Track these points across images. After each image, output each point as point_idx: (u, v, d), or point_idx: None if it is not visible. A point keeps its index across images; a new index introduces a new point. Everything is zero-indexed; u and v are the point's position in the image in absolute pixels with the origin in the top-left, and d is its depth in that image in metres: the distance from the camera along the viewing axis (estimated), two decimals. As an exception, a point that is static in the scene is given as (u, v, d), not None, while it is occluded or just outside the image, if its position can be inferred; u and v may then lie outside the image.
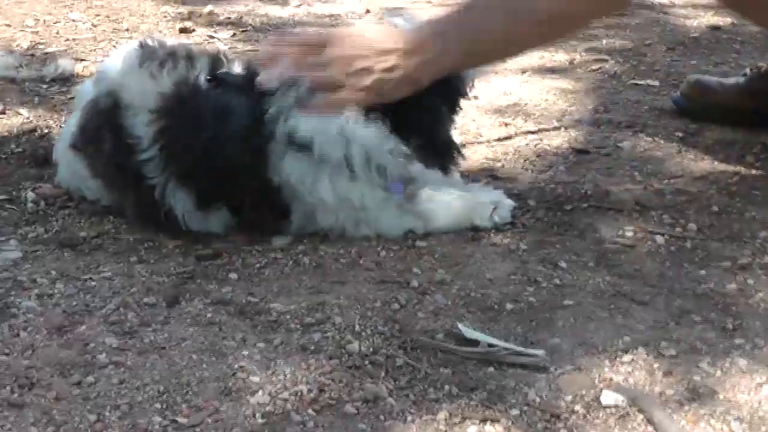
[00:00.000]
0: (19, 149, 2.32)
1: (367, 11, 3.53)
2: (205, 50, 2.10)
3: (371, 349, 1.60)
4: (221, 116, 1.91)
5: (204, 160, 1.90)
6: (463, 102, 1.98)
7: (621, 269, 1.86)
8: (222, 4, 3.54)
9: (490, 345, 1.61)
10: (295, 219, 1.95)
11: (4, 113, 2.50)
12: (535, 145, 2.41)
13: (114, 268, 1.86)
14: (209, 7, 3.42)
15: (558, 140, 2.43)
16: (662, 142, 2.43)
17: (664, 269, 1.87)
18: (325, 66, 1.89)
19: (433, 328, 1.66)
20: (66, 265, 1.87)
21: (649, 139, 2.44)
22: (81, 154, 2.06)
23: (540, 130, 2.50)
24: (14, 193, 2.14)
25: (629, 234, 1.98)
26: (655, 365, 1.57)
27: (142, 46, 2.00)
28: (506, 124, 2.53)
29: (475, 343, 1.62)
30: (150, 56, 1.97)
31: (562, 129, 2.51)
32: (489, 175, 2.24)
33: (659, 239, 1.96)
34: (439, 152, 1.98)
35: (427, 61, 1.89)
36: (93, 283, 1.81)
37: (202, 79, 1.93)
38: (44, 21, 3.19)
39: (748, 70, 2.51)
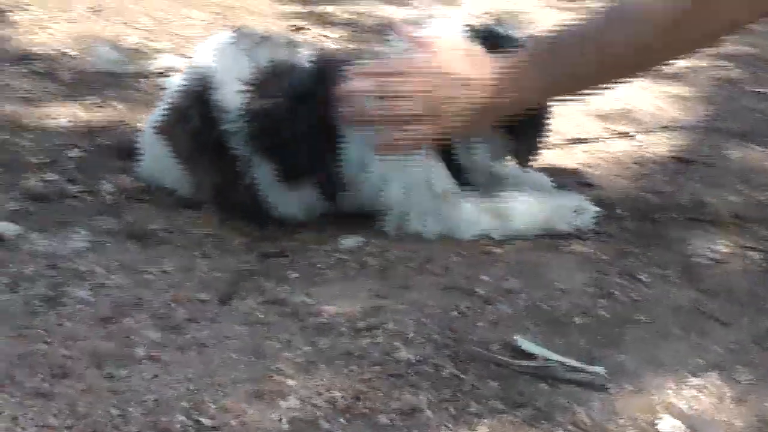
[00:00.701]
0: (107, 142, 2.30)
1: (487, 12, 3.43)
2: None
3: (419, 358, 1.50)
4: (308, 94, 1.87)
5: (291, 134, 1.85)
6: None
7: (707, 285, 1.72)
8: (342, 3, 3.50)
9: (547, 359, 1.50)
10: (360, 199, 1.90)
11: (100, 106, 2.50)
12: (636, 152, 2.27)
13: (175, 262, 1.81)
14: (327, 7, 3.38)
15: (661, 148, 2.29)
16: (776, 153, 2.26)
17: (754, 287, 1.72)
18: (405, 97, 1.81)
19: (489, 339, 1.55)
20: (128, 257, 1.84)
21: (761, 149, 2.27)
22: (164, 137, 2.03)
23: (644, 137, 2.35)
24: (93, 184, 2.11)
25: (722, 248, 1.84)
26: (726, 391, 1.43)
27: (237, 31, 1.99)
28: (610, 130, 2.40)
29: (531, 356, 1.51)
30: (245, 37, 1.97)
31: (668, 136, 2.36)
32: (581, 181, 2.11)
33: (754, 255, 1.82)
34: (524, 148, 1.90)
35: (513, 95, 1.80)
36: (150, 276, 1.76)
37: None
38: (158, 18, 3.20)
39: None
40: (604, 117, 2.48)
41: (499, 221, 1.86)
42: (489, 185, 1.90)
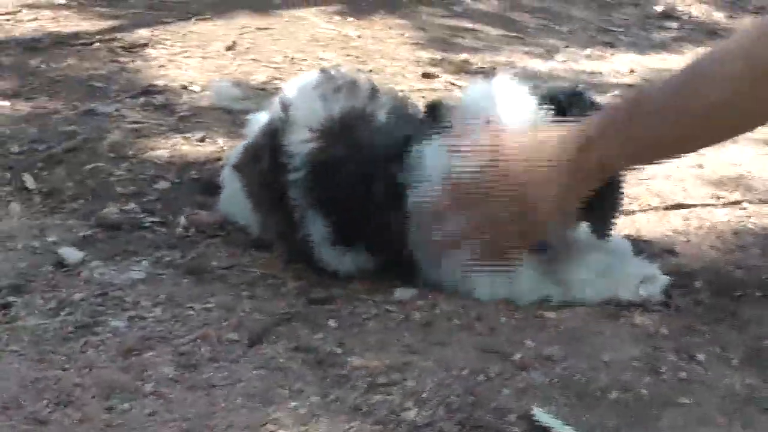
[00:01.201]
0: (197, 176, 2.30)
1: (632, 71, 3.31)
2: (392, 90, 2.00)
3: (426, 421, 1.42)
4: (376, 154, 1.80)
5: (349, 191, 1.79)
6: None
7: (771, 372, 1.56)
8: (484, 53, 3.42)
9: (560, 436, 1.39)
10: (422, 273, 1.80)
11: (202, 141, 2.50)
12: (739, 222, 2.11)
13: (221, 300, 1.78)
14: (464, 55, 3.32)
15: (767, 220, 2.12)
16: None
17: (828, 379, 1.55)
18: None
19: (509, 408, 1.45)
20: (178, 291, 1.81)
21: None
22: (240, 174, 2.01)
23: (754, 207, 2.19)
24: (170, 217, 2.11)
25: (801, 332, 1.67)
26: (753, 489, 1.29)
27: (323, 72, 1.95)
28: (718, 197, 2.24)
29: (545, 431, 1.39)
30: (328, 81, 1.91)
31: (780, 208, 2.19)
32: (666, 249, 1.97)
33: (836, 344, 1.64)
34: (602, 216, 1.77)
35: (595, 165, 1.70)
36: (190, 312, 1.74)
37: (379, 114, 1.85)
38: (292, 58, 3.20)
39: None
40: (716, 183, 2.32)
41: (558, 288, 1.75)
42: (558, 247, 1.78)
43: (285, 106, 1.88)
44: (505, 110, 1.74)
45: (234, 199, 2.06)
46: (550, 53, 3.47)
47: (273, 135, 1.90)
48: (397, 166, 1.76)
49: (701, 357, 1.60)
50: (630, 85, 3.13)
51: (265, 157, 1.90)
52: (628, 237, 1.99)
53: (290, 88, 1.97)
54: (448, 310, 1.73)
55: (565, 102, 1.77)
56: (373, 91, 1.86)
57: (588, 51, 3.52)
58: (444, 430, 1.40)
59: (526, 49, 3.52)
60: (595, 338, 1.65)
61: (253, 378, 1.53)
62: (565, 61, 3.40)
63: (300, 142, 1.82)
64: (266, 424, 1.41)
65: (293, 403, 1.46)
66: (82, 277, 1.86)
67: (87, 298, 1.78)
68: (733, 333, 1.68)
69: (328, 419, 1.42)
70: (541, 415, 1.42)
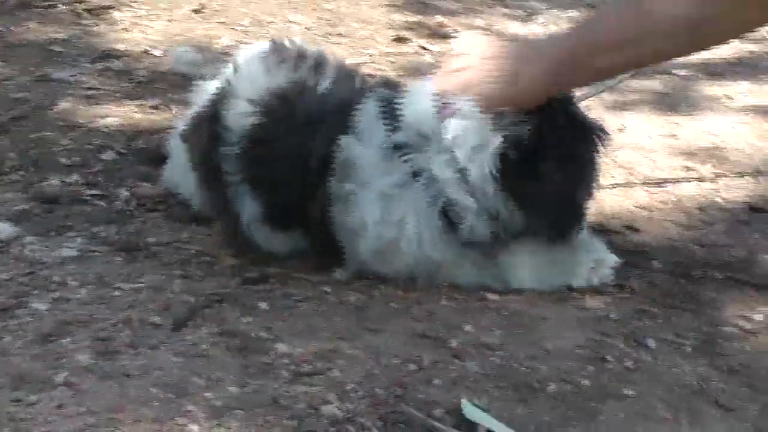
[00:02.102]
0: (145, 145, 2.21)
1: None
2: (343, 62, 1.88)
3: (346, 415, 1.33)
4: (312, 130, 1.69)
5: (281, 169, 1.69)
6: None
7: (725, 361, 1.47)
8: (461, 16, 3.31)
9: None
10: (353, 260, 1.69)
11: (156, 108, 2.41)
12: (707, 197, 2.01)
13: (151, 280, 1.69)
14: (440, 18, 3.20)
15: (738, 193, 2.02)
16: None
17: (785, 367, 1.45)
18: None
19: (438, 401, 1.36)
20: (109, 270, 1.73)
21: None
22: (185, 144, 1.92)
23: (723, 180, 2.08)
24: (111, 189, 2.02)
25: (759, 318, 1.58)
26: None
27: (273, 43, 1.86)
28: (688, 169, 2.14)
29: (471, 426, 1.30)
30: (275, 52, 1.82)
31: (754, 181, 2.08)
32: (628, 226, 1.87)
33: (796, 329, 1.54)
34: (557, 221, 1.65)
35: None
36: (117, 294, 1.65)
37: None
38: (261, 21, 3.09)
39: None
40: (688, 154, 2.22)
41: (500, 284, 1.64)
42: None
43: (228, 77, 1.79)
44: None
45: (178, 170, 1.96)
46: (530, 16, 3.35)
47: (215, 106, 1.80)
48: (325, 144, 1.65)
49: (651, 344, 1.51)
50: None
51: (205, 129, 1.81)
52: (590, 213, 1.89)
53: (238, 58, 1.87)
54: (387, 293, 1.64)
55: None
56: (319, 64, 1.75)
57: (570, 13, 3.40)
58: (365, 426, 1.31)
59: (506, 11, 3.41)
60: (539, 324, 1.55)
61: (172, 366, 1.44)
62: (544, 23, 3.28)
63: (238, 115, 1.73)
64: (176, 418, 1.32)
65: (209, 394, 1.37)
66: (12, 254, 1.77)
67: (14, 278, 1.69)
68: (688, 317, 1.58)
69: (242, 413, 1.33)
70: (469, 409, 1.32)
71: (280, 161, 1.68)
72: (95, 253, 1.79)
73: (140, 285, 1.67)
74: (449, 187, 1.58)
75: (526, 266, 1.63)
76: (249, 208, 1.72)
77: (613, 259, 1.67)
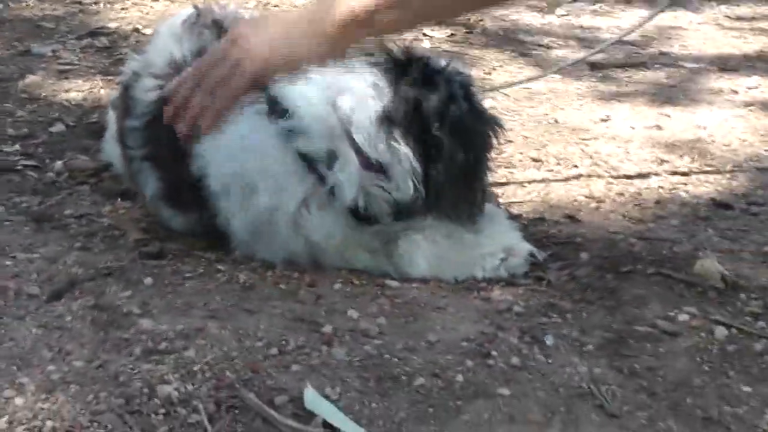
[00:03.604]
0: (96, 119, 2.14)
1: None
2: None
3: (180, 397, 1.22)
4: None
5: (173, 148, 1.60)
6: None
7: (629, 363, 1.33)
8: (481, 6, 3.17)
9: (325, 425, 1.18)
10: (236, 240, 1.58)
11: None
12: (670, 190, 1.86)
13: (49, 250, 1.61)
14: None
15: (705, 188, 1.86)
16: None
17: (692, 374, 1.31)
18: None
19: (285, 388, 1.25)
20: (13, 239, 1.66)
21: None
22: (114, 114, 1.84)
23: (697, 174, 1.93)
24: (47, 161, 1.95)
25: (684, 318, 1.43)
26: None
27: (196, 9, 1.76)
28: (661, 162, 1.99)
29: (308, 418, 1.19)
30: (194, 20, 1.73)
31: (731, 177, 1.92)
32: (568, 215, 1.73)
33: (720, 332, 1.40)
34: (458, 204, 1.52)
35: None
36: (8, 263, 1.57)
37: None
38: (267, 2, 3.02)
39: None
40: (668, 146, 2.06)
41: (390, 261, 1.52)
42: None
43: (143, 48, 1.71)
44: None
45: (110, 141, 1.88)
46: (552, 6, 3.20)
47: (131, 76, 1.72)
48: None
49: (549, 341, 1.37)
50: (623, 42, 2.85)
51: (121, 100, 1.73)
52: (530, 201, 1.77)
53: (160, 26, 1.79)
54: (280, 275, 1.53)
55: None
56: (219, 27, 1.67)
57: (597, 6, 3.25)
58: (197, 409, 1.20)
59: (533, 2, 3.26)
60: (433, 314, 1.43)
61: (27, 337, 1.35)
62: (565, 15, 3.13)
63: (143, 88, 1.65)
64: (4, 390, 1.23)
65: (51, 368, 1.28)
66: None
67: None
68: (601, 314, 1.44)
69: (76, 388, 1.24)
70: (311, 398, 1.21)
71: (174, 139, 1.58)
72: (7, 223, 1.72)
73: (35, 255, 1.60)
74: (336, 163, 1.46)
75: (426, 254, 1.50)
76: (150, 184, 1.63)
77: (526, 249, 1.53)
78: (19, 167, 1.93)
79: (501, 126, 1.52)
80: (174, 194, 1.61)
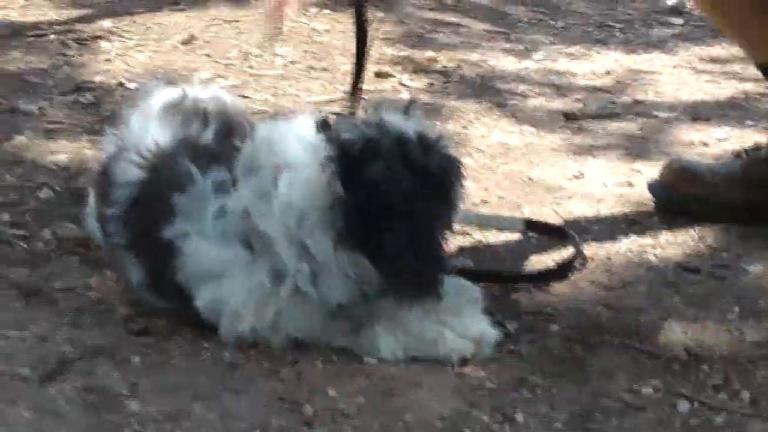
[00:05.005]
0: (83, 185, 2.18)
1: (608, 72, 3.09)
2: (236, 113, 1.83)
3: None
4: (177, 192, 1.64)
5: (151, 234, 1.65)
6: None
7: (595, 438, 1.39)
8: (457, 50, 3.24)
9: None
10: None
11: (106, 142, 2.40)
12: (639, 254, 1.93)
13: (41, 328, 1.67)
14: (430, 53, 3.14)
15: (675, 251, 1.94)
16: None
17: (655, 448, 1.38)
18: None
19: (267, 471, 1.31)
20: (5, 316, 1.71)
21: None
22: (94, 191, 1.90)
23: (665, 235, 2.00)
24: (35, 230, 2.00)
25: (648, 391, 1.50)
26: None
27: (183, 92, 1.82)
28: (631, 223, 2.06)
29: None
30: (176, 104, 1.78)
31: (699, 238, 1.99)
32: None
33: (683, 405, 1.47)
34: (416, 279, 1.54)
35: None
36: (1, 343, 1.63)
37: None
38: (247, 54, 3.07)
39: (743, 152, 2.04)
40: (639, 206, 2.13)
41: (364, 344, 1.58)
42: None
43: (121, 129, 1.76)
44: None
45: (91, 214, 1.92)
46: (529, 51, 3.27)
47: (110, 159, 1.77)
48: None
49: (519, 417, 1.44)
50: (598, 89, 2.93)
51: (100, 181, 1.79)
52: (502, 271, 1.83)
53: (137, 110, 1.82)
54: (263, 352, 1.59)
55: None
56: (204, 118, 1.71)
57: (573, 49, 3.31)
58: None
59: (506, 46, 3.33)
60: (409, 391, 1.50)
61: (18, 423, 1.41)
62: (541, 60, 3.20)
63: (124, 173, 1.69)
64: (-2, 480, 1.29)
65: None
66: None
67: None
68: (571, 388, 1.51)
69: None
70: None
71: (154, 228, 1.63)
72: (-1, 298, 1.78)
73: (27, 334, 1.66)
74: (287, 251, 1.52)
75: (390, 347, 1.56)
76: (134, 273, 1.69)
77: (494, 336, 1.59)
78: (8, 237, 1.97)
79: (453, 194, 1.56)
80: (157, 284, 1.65)
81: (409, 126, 1.57)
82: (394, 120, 1.57)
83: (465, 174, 1.59)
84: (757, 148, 2.07)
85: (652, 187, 2.09)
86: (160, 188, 1.63)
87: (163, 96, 1.83)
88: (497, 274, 1.81)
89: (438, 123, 1.57)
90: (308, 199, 1.51)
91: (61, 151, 2.36)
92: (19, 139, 2.41)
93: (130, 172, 1.68)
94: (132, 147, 1.72)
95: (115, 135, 1.83)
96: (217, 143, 1.67)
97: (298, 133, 1.59)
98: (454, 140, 1.64)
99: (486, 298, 1.70)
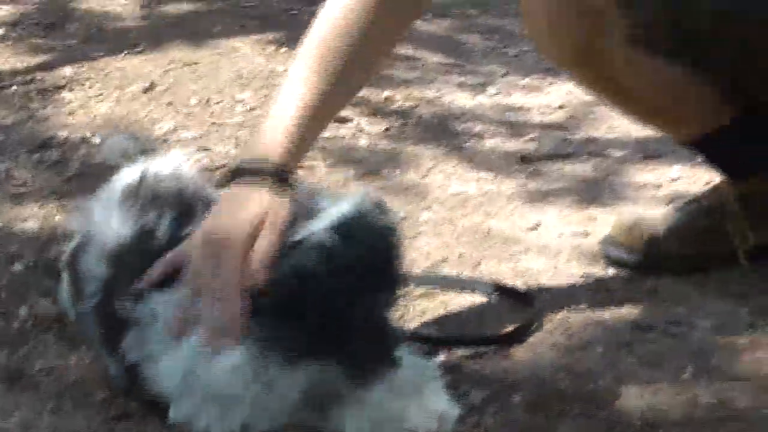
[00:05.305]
0: (54, 257, 2.23)
1: (561, 106, 3.18)
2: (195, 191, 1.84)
3: None
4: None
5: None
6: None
7: None
8: (413, 87, 3.31)
9: None
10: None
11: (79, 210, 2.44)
12: (595, 311, 2.01)
13: (23, 417, 1.73)
14: (387, 93, 3.21)
15: (630, 309, 2.01)
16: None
17: None
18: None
19: None
20: (-16, 404, 1.77)
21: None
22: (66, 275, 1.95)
23: (620, 291, 2.08)
24: (12, 308, 2.06)
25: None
26: None
27: (143, 176, 1.83)
28: (585, 277, 2.14)
29: None
30: (134, 189, 1.79)
31: (651, 291, 2.08)
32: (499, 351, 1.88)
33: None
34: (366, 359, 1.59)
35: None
36: (-18, 434, 1.69)
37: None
38: (208, 100, 3.13)
39: (681, 203, 2.17)
40: (593, 258, 2.21)
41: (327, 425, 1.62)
42: None
43: (88, 218, 1.81)
44: None
45: (64, 294, 1.97)
46: (483, 85, 3.35)
47: (78, 248, 1.82)
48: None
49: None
50: (551, 126, 3.01)
51: (70, 271, 1.84)
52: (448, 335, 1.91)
53: (99, 199, 1.85)
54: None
55: None
56: (160, 207, 1.74)
57: (527, 80, 3.39)
58: None
59: (461, 79, 3.41)
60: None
61: None
62: (496, 94, 3.28)
63: (91, 267, 1.74)
64: None
65: None
66: None
67: None
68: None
69: None
70: None
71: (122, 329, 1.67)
72: (-23, 384, 1.83)
73: (9, 425, 1.71)
74: None
75: (359, 419, 1.63)
76: (112, 369, 1.75)
77: (454, 413, 1.65)
78: (-13, 317, 2.03)
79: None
80: (136, 384, 1.70)
81: (330, 210, 1.60)
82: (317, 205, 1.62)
83: (400, 242, 1.62)
84: (696, 200, 2.16)
85: (604, 246, 2.17)
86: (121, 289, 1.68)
87: (123, 179, 1.85)
88: (456, 339, 1.89)
89: (368, 191, 1.61)
90: None
91: (31, 217, 2.42)
92: (-11, 206, 2.46)
93: (96, 266, 1.72)
94: (96, 238, 1.75)
95: (80, 224, 1.87)
96: (173, 233, 1.71)
97: None
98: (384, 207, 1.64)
99: (450, 367, 1.79)
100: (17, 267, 2.21)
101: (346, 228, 1.57)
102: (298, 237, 1.59)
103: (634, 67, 2.00)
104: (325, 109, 1.83)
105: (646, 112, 2.16)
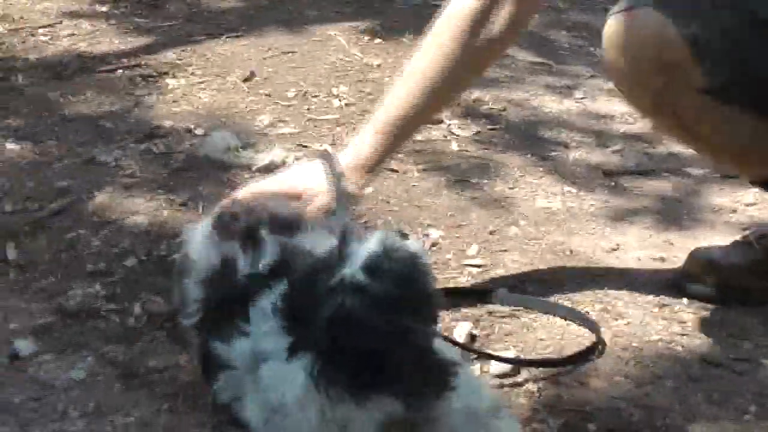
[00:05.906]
0: (165, 253, 2.38)
1: (644, 115, 3.26)
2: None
3: None
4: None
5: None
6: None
7: None
8: (501, 88, 3.42)
9: None
10: None
11: (185, 204, 2.60)
12: (668, 344, 2.13)
13: (142, 414, 1.89)
14: (477, 94, 3.32)
15: (700, 342, 2.13)
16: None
17: None
18: None
19: None
20: (108, 399, 1.92)
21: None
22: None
23: (691, 323, 2.20)
24: (126, 304, 2.22)
25: None
26: None
27: (221, 213, 1.99)
28: (661, 306, 2.26)
29: None
30: (227, 224, 1.94)
31: (720, 326, 2.20)
32: (577, 379, 2.01)
33: None
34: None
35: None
36: (109, 429, 1.85)
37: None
38: (305, 93, 3.26)
39: (751, 235, 2.29)
40: (670, 288, 2.32)
41: None
42: None
43: (187, 246, 1.97)
44: None
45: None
46: (570, 89, 3.45)
47: (182, 267, 1.98)
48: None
49: None
50: (635, 138, 3.11)
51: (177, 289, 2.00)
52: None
53: (201, 225, 2.01)
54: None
55: None
56: (256, 244, 1.86)
57: (611, 83, 3.47)
58: None
59: (549, 80, 3.51)
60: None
61: None
62: (582, 98, 3.38)
63: (192, 287, 1.90)
64: None
65: None
66: (29, 374, 1.99)
67: (24, 402, 1.91)
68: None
69: None
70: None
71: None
72: (99, 378, 2.00)
73: (130, 420, 1.88)
74: None
75: None
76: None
77: None
78: (103, 312, 2.19)
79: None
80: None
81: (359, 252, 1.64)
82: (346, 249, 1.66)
83: (431, 279, 1.68)
84: (763, 235, 2.27)
85: (680, 279, 2.29)
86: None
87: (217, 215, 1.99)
88: (519, 361, 2.02)
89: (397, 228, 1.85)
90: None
91: (141, 212, 2.56)
92: (101, 198, 2.60)
93: (194, 290, 1.89)
94: (194, 265, 1.92)
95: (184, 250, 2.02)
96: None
97: None
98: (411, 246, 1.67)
99: (529, 393, 1.93)
100: (130, 261, 2.37)
101: (376, 266, 1.61)
102: (333, 282, 1.63)
103: (709, 116, 2.12)
104: (417, 120, 2.21)
105: (720, 155, 2.29)
